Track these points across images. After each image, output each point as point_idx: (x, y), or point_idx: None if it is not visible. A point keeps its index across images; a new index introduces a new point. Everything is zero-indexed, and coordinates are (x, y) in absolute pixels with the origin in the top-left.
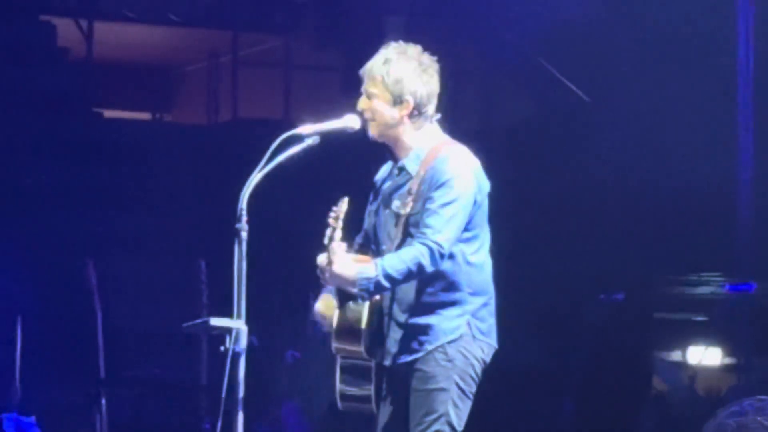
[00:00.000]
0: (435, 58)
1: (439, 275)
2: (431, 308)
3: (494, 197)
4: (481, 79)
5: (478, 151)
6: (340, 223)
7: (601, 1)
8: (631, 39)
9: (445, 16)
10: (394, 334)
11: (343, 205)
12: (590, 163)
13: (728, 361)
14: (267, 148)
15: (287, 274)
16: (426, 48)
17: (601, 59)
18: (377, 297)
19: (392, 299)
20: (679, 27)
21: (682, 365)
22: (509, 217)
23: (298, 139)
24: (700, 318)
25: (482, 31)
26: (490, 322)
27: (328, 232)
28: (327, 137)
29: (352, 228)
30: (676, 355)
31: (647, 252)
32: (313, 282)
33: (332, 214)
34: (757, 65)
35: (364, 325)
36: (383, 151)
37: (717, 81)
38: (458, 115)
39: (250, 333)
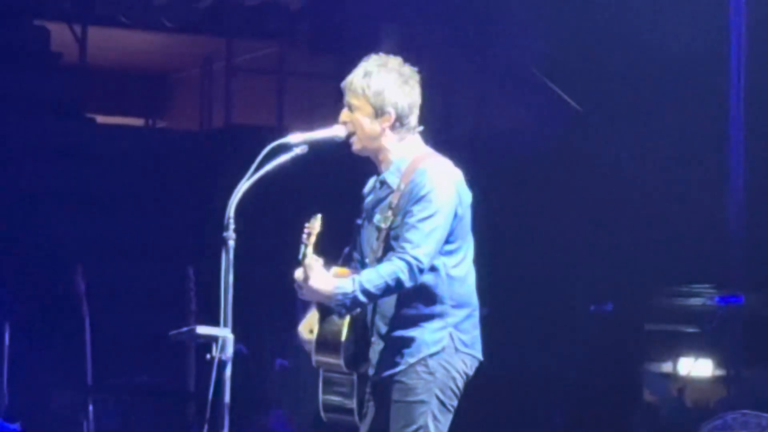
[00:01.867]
0: (416, 68)
1: (421, 288)
2: (413, 321)
3: (485, 206)
4: (474, 87)
5: (471, 159)
6: (313, 239)
7: (594, 11)
8: (623, 48)
9: (440, 24)
10: (377, 346)
11: (316, 222)
12: (581, 172)
13: (718, 373)
14: (259, 155)
15: (276, 282)
16: (420, 56)
17: (594, 68)
18: (358, 310)
19: (374, 312)
20: (671, 37)
21: (672, 377)
22: (500, 226)
23: (287, 147)
24: (690, 330)
25: (476, 40)
26: (473, 334)
27: (302, 249)
28: (316, 146)
29: (339, 240)
30: (665, 367)
31: (638, 263)
32: None
33: (305, 231)
34: (747, 77)
35: (343, 338)
36: (371, 160)
37: (709, 92)
38: (452, 123)
39: (239, 341)
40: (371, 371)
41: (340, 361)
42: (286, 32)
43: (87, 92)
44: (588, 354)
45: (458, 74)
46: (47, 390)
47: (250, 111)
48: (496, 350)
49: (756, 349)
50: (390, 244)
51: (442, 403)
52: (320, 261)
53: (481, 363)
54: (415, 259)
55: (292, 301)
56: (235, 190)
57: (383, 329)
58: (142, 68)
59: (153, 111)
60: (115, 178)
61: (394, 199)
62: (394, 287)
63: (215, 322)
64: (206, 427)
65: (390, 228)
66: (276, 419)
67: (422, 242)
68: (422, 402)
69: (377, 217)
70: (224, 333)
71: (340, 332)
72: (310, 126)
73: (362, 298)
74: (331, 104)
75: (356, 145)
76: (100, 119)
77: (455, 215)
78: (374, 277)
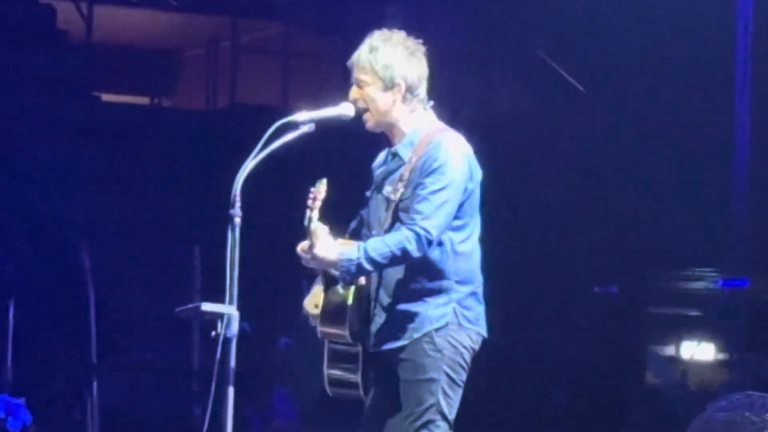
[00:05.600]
0: (420, 41)
1: (426, 263)
2: (418, 295)
3: (490, 187)
4: (479, 69)
5: (476, 141)
6: (318, 203)
7: None
8: (627, 30)
9: (445, 4)
10: (379, 319)
11: (321, 186)
12: (586, 154)
13: (721, 356)
14: (265, 134)
15: (281, 260)
16: (425, 37)
17: (598, 50)
18: (363, 281)
19: (379, 284)
20: (676, 18)
21: (675, 360)
22: (505, 207)
23: (293, 126)
24: (693, 313)
25: (480, 22)
26: (477, 311)
27: (307, 213)
28: (322, 124)
29: (344, 215)
30: (669, 350)
31: (642, 246)
32: (306, 268)
33: (310, 196)
34: (754, 57)
35: (348, 309)
36: (378, 137)
37: (714, 72)
38: (456, 105)
39: (243, 319)
40: (372, 342)
41: (345, 332)
42: (292, 12)
43: (93, 70)
44: (592, 336)
45: (462, 57)
46: (52, 366)
47: (255, 90)
48: (501, 331)
49: (759, 333)
50: (398, 216)
51: (452, 379)
52: (326, 228)
53: (486, 343)
54: (424, 230)
55: (297, 279)
56: (242, 169)
57: (386, 301)
58: (147, 47)
59: (159, 90)
60: (120, 156)
61: (405, 171)
62: (401, 257)
63: (220, 300)
64: (210, 404)
65: (399, 200)
66: (280, 397)
67: (432, 214)
68: (432, 380)
69: (387, 189)
70: (229, 310)
71: (345, 303)
72: (315, 106)
73: (367, 265)
74: (336, 84)
75: (370, 122)
76: (106, 97)
77: (465, 190)
78: (380, 245)
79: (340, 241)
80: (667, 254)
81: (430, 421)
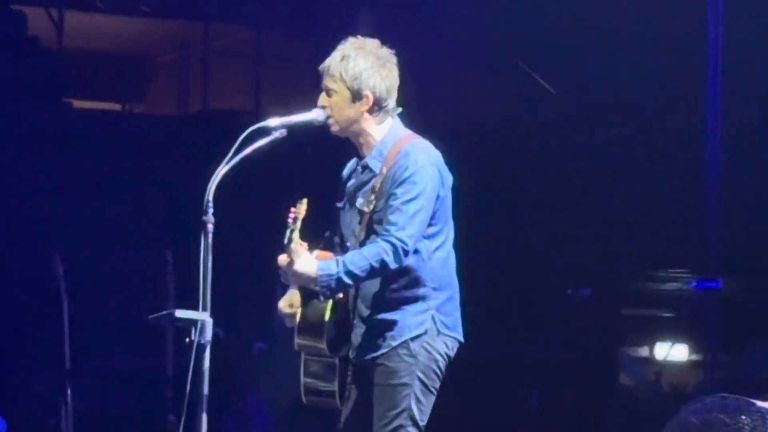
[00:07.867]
0: (393, 51)
1: (403, 271)
2: (396, 304)
3: (464, 192)
4: (451, 73)
5: (449, 145)
6: (299, 224)
7: None
8: (599, 33)
9: (416, 9)
10: (359, 330)
11: (302, 206)
12: (559, 158)
13: (694, 357)
14: (237, 139)
15: (254, 266)
16: (396, 42)
17: (570, 54)
18: (340, 294)
19: (356, 295)
20: (648, 20)
21: (649, 361)
22: (478, 211)
23: (266, 131)
24: (667, 314)
25: (453, 25)
26: (455, 316)
27: (287, 233)
28: (295, 130)
29: (319, 224)
30: (642, 351)
31: (615, 247)
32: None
33: (291, 215)
34: (725, 59)
35: (326, 322)
36: (351, 144)
37: (686, 75)
38: (428, 110)
39: (217, 325)
40: (353, 354)
41: (323, 345)
42: (263, 16)
43: (64, 77)
44: (565, 338)
45: (434, 61)
46: (26, 373)
47: (227, 96)
48: (473, 334)
49: (732, 334)
50: (373, 227)
51: (425, 385)
52: (305, 245)
53: (459, 346)
54: (400, 240)
55: (271, 284)
56: (214, 174)
57: (365, 312)
58: (118, 53)
59: (130, 95)
60: (92, 162)
61: (376, 183)
62: (379, 269)
63: (194, 305)
64: (184, 410)
65: (373, 212)
66: (254, 403)
67: (407, 224)
68: (405, 385)
69: (360, 201)
70: (203, 317)
71: (322, 315)
72: (287, 110)
73: (347, 279)
74: (308, 88)
75: (334, 127)
76: (77, 104)
77: (437, 197)
78: (358, 258)
79: (317, 252)
80: (640, 255)
81: (400, 426)
